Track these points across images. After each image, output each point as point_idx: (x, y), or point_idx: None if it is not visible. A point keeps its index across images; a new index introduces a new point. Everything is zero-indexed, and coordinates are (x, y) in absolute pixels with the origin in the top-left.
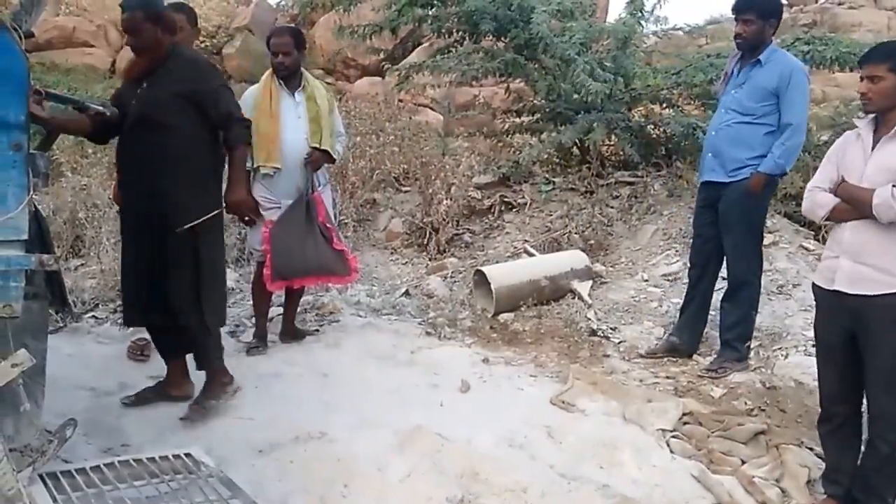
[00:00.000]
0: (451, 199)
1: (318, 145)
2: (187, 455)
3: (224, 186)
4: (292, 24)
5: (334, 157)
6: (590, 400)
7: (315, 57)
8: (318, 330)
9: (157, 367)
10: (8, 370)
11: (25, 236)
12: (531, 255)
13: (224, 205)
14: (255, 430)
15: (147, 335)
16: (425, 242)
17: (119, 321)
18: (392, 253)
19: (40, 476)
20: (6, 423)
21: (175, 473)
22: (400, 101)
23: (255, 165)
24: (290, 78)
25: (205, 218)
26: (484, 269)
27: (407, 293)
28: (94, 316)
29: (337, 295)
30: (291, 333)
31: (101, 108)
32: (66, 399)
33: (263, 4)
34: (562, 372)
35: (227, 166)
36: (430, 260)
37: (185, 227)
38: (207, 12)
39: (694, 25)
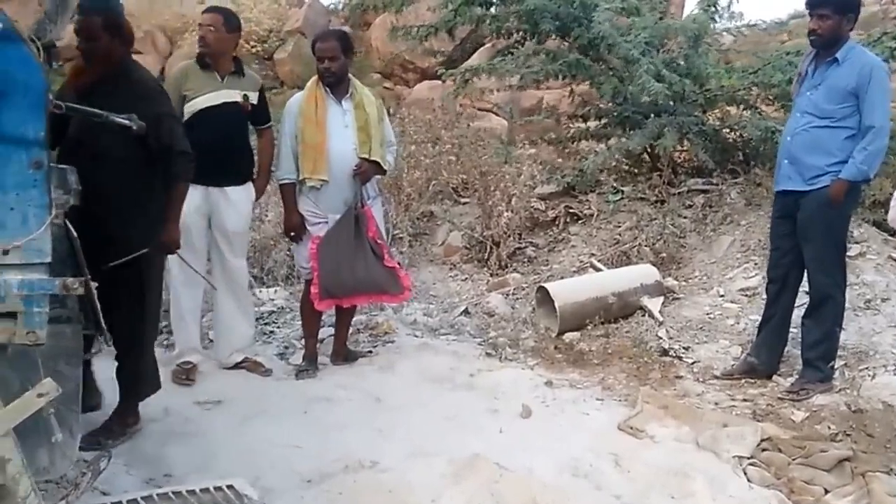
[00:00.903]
0: (511, 211)
1: (367, 156)
2: (230, 487)
3: None
4: (341, 28)
5: (385, 167)
6: (660, 425)
7: (372, 60)
8: (370, 351)
9: (203, 390)
10: (33, 400)
11: (48, 259)
12: (598, 269)
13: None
14: (304, 458)
15: (192, 358)
16: (486, 257)
17: (165, 342)
18: (451, 269)
19: None
20: (39, 455)
21: None
22: (461, 105)
23: (300, 178)
24: (336, 85)
25: (126, 258)
26: (547, 285)
27: (466, 311)
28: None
29: (392, 314)
30: (343, 355)
31: (126, 121)
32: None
33: (316, 6)
34: (630, 395)
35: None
36: (490, 276)
37: (111, 264)
38: (258, 16)
39: (773, 21)
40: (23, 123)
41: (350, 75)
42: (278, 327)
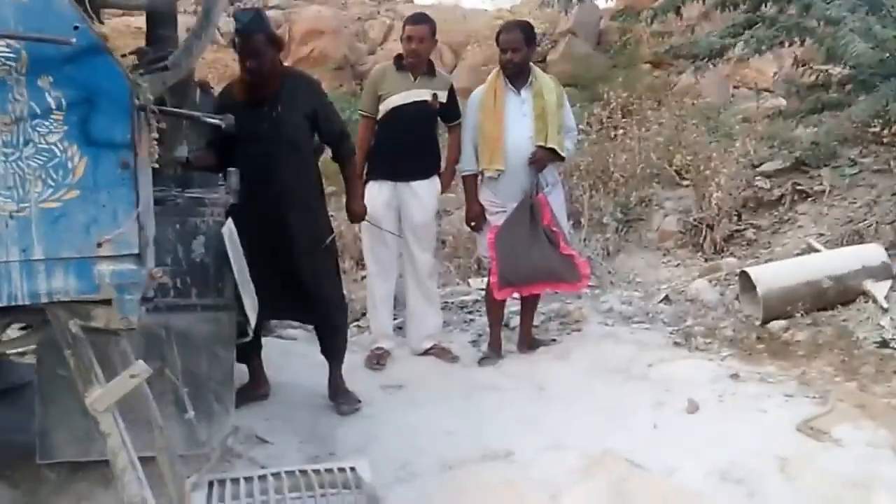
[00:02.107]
0: (721, 191)
1: (543, 143)
2: (352, 469)
3: None
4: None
5: (562, 154)
6: (853, 427)
7: (642, 50)
8: (554, 340)
9: (390, 375)
10: (127, 381)
11: (136, 250)
12: (816, 250)
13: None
14: (452, 444)
15: (384, 344)
16: (701, 241)
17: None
18: (665, 254)
19: (211, 482)
20: (199, 429)
21: (330, 487)
22: (735, 87)
23: (480, 168)
24: (517, 75)
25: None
26: (750, 269)
27: (666, 298)
28: (358, 325)
29: (587, 302)
30: (528, 343)
31: (217, 121)
32: (293, 406)
33: (587, 6)
34: (831, 392)
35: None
36: (705, 261)
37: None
38: (533, 21)
39: None
40: (111, 128)
41: (532, 64)
42: (480, 315)
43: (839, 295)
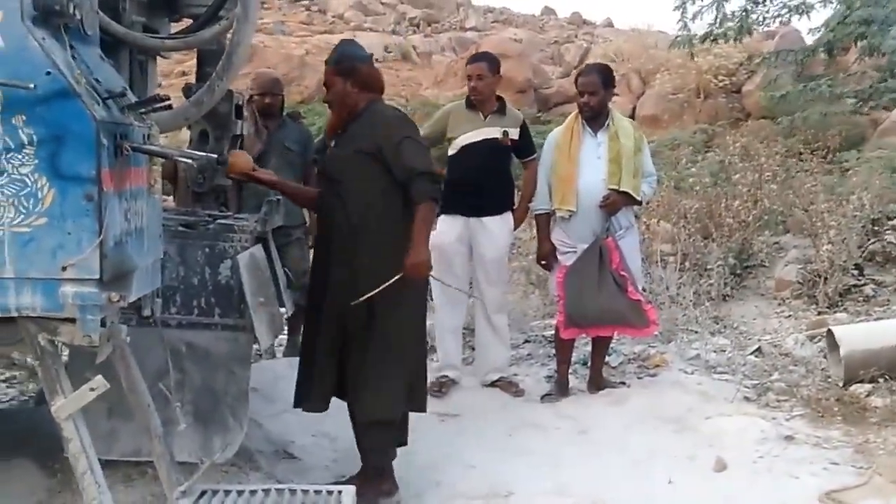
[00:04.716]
0: (832, 244)
1: (616, 187)
2: (339, 493)
3: None
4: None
5: (638, 198)
6: (883, 502)
7: (848, 84)
8: (624, 383)
9: (449, 403)
10: (86, 393)
11: (98, 276)
12: None
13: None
14: (466, 478)
15: (449, 373)
16: (816, 294)
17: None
18: (780, 304)
19: (203, 492)
20: (215, 441)
21: None
22: None
23: (552, 207)
24: (594, 118)
25: (376, 291)
26: (835, 328)
27: (759, 350)
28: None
29: (673, 348)
30: (597, 384)
31: (189, 160)
32: (345, 424)
33: (790, 36)
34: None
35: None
36: (818, 314)
37: (360, 300)
38: (729, 51)
39: None
40: (77, 163)
41: (610, 106)
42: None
43: None
